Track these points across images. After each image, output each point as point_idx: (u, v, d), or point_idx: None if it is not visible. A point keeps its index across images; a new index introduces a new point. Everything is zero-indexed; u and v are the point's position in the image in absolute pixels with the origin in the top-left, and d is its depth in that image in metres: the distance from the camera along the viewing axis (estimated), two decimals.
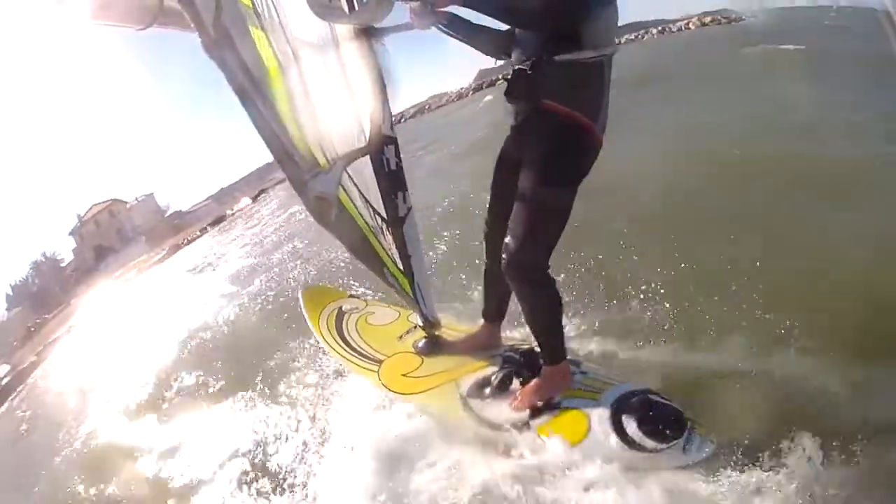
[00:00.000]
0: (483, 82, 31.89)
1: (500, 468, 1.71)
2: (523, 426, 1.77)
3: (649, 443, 1.51)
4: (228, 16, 1.24)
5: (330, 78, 1.68)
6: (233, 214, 24.67)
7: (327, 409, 2.51)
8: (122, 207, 38.48)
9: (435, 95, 38.99)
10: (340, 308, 2.81)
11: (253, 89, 1.27)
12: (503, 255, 1.68)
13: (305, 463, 2.24)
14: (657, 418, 1.56)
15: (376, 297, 3.14)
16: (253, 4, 1.37)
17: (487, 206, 1.97)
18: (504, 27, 1.84)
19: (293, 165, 1.34)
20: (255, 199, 27.68)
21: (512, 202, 1.74)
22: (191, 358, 4.46)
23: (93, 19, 1.31)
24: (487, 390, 1.95)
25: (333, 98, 1.66)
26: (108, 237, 35.85)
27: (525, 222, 1.64)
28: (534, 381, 1.85)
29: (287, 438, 2.46)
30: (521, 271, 1.68)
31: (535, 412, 1.78)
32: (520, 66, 1.64)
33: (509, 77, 1.68)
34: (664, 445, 1.49)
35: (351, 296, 3.04)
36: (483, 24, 1.83)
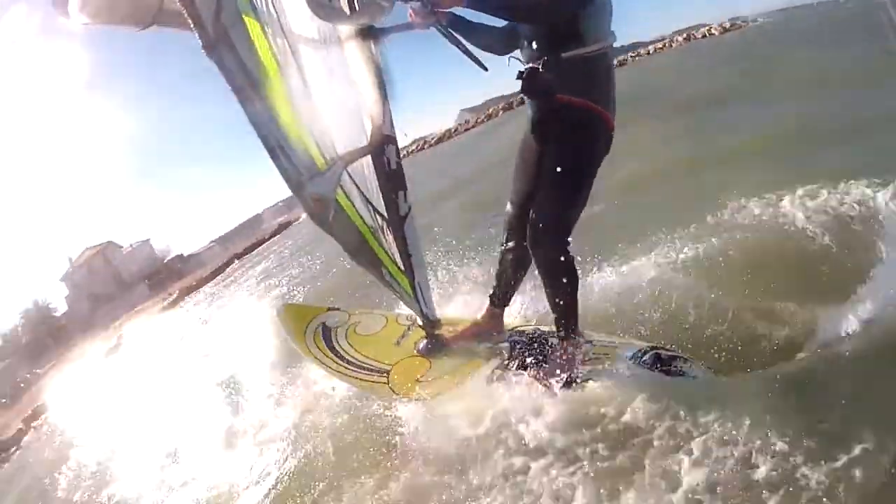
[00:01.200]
0: (466, 121, 32.29)
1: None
2: (548, 400, 1.83)
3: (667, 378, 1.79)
4: (228, 16, 1.24)
5: (330, 78, 1.68)
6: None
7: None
8: (116, 251, 36.10)
9: (418, 139, 37.50)
10: (324, 324, 2.69)
11: (251, 89, 1.27)
12: (528, 234, 1.83)
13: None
14: (668, 361, 1.85)
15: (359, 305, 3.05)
16: (253, 6, 1.36)
17: (511, 192, 2.11)
18: (502, 24, 1.94)
19: (291, 166, 1.34)
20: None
21: (533, 193, 1.94)
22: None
23: (93, 20, 1.32)
24: (509, 378, 1.97)
25: (333, 98, 1.66)
26: (103, 283, 33.00)
27: (550, 203, 1.82)
28: (555, 358, 1.94)
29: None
30: (547, 246, 1.82)
31: (564, 385, 1.85)
32: (531, 65, 1.80)
33: (523, 77, 1.82)
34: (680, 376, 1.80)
35: (329, 309, 2.89)
36: (482, 22, 1.93)
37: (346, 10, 1.74)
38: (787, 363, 1.88)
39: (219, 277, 20.46)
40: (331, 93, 1.62)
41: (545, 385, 1.88)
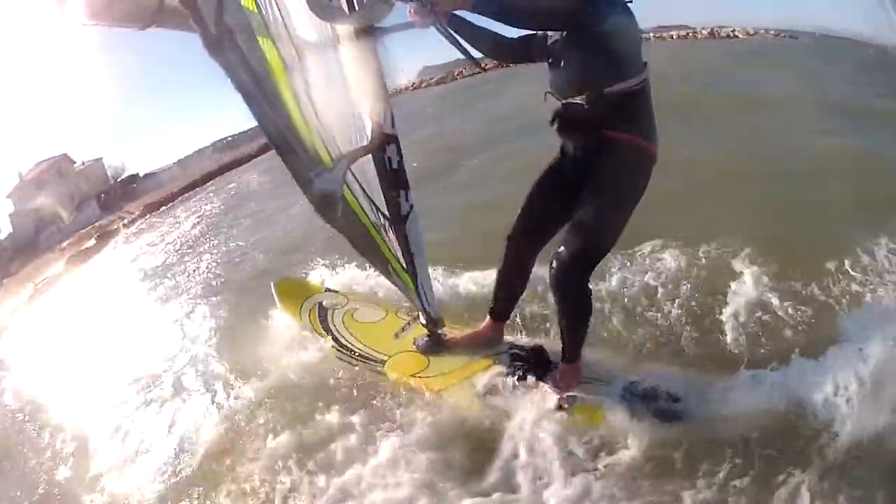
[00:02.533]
0: (424, 79, 30.58)
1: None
2: (547, 417, 1.86)
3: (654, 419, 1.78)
4: (231, 13, 1.23)
5: (332, 77, 1.68)
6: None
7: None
8: (70, 167, 30.77)
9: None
10: (320, 304, 2.74)
11: (257, 88, 1.27)
12: (554, 265, 1.75)
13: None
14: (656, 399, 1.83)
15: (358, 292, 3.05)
16: (257, 3, 1.36)
17: (521, 214, 2.04)
18: (508, 33, 1.91)
19: (299, 163, 1.34)
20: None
21: (550, 218, 1.94)
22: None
23: (92, 20, 1.30)
24: (504, 387, 1.98)
25: (336, 96, 1.66)
26: (52, 201, 26.89)
27: (585, 241, 1.73)
28: (554, 376, 1.96)
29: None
30: (572, 283, 1.77)
31: (559, 406, 1.87)
32: (571, 102, 1.74)
33: (561, 113, 1.79)
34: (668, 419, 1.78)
35: (327, 289, 2.94)
36: (485, 26, 1.88)
37: (346, 9, 1.75)
38: None
39: (179, 200, 17.47)
40: (335, 91, 1.62)
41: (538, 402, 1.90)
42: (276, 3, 1.44)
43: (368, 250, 1.81)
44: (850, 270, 2.47)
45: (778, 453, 1.63)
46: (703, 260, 2.83)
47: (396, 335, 2.44)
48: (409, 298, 2.15)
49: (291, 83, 1.43)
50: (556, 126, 1.84)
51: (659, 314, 2.47)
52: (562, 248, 1.75)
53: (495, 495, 1.72)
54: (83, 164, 32.57)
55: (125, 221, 17.17)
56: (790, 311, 2.30)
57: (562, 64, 1.76)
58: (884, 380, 1.64)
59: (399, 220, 1.98)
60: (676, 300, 2.53)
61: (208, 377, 2.96)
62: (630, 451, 1.73)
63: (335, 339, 2.51)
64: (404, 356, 2.30)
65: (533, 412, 1.89)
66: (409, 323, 2.47)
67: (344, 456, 2.02)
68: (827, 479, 1.54)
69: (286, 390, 2.48)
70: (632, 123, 1.72)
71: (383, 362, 2.31)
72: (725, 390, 1.81)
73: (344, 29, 1.75)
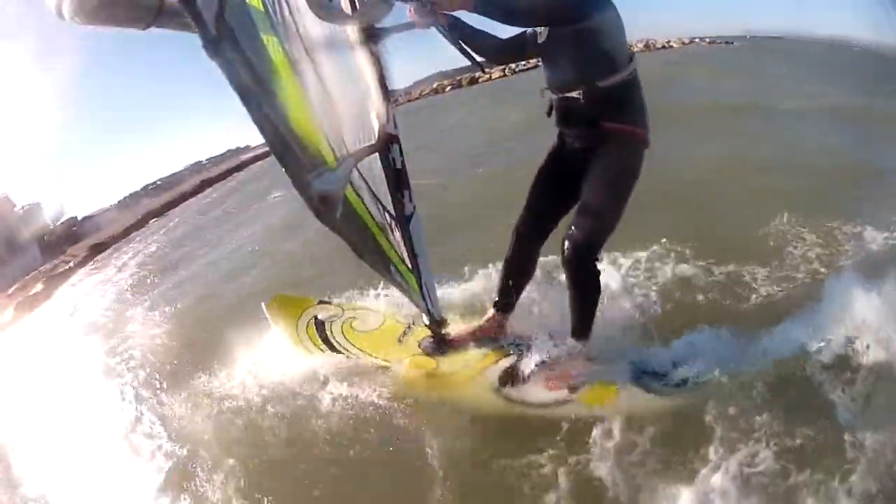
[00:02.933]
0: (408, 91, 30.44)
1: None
2: (567, 401, 1.91)
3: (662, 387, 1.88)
4: (233, 13, 1.22)
5: (341, 74, 1.67)
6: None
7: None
8: (10, 210, 28.87)
9: None
10: (316, 317, 2.68)
11: (257, 88, 1.25)
12: (566, 246, 1.86)
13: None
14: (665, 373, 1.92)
15: (343, 300, 3.01)
16: (264, 2, 1.35)
17: (527, 204, 2.14)
18: (506, 33, 1.99)
19: (296, 164, 1.32)
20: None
21: (554, 209, 2.07)
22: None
23: (93, 21, 1.30)
24: (517, 377, 2.00)
25: (346, 94, 1.65)
26: None
27: (592, 222, 1.85)
28: (564, 361, 1.99)
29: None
30: (584, 261, 1.87)
31: (573, 387, 1.93)
32: (567, 97, 1.84)
33: (559, 107, 1.90)
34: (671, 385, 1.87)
35: (320, 301, 2.88)
36: (485, 29, 1.97)
37: (347, 10, 1.73)
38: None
39: (124, 241, 16.02)
40: (341, 91, 1.61)
41: (555, 388, 1.94)
42: (286, 2, 1.43)
43: (370, 252, 1.79)
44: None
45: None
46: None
47: (399, 340, 2.42)
48: (412, 300, 2.13)
49: (300, 81, 1.42)
50: (554, 118, 1.95)
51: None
52: (573, 230, 1.86)
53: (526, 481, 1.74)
54: (22, 208, 30.83)
55: (71, 264, 15.95)
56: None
57: (556, 60, 1.86)
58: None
59: (404, 220, 1.97)
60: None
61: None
62: (644, 428, 1.77)
63: (337, 352, 2.46)
64: (412, 360, 2.27)
65: (546, 398, 1.94)
66: (409, 326, 2.46)
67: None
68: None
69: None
70: (626, 113, 1.83)
71: (388, 369, 2.29)
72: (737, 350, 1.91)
73: (347, 29, 1.74)
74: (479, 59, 1.99)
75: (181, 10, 1.26)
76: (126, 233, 18.20)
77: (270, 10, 1.37)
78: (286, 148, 1.30)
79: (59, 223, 31.70)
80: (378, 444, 2.08)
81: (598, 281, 1.94)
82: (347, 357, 2.44)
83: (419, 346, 2.32)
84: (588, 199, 1.88)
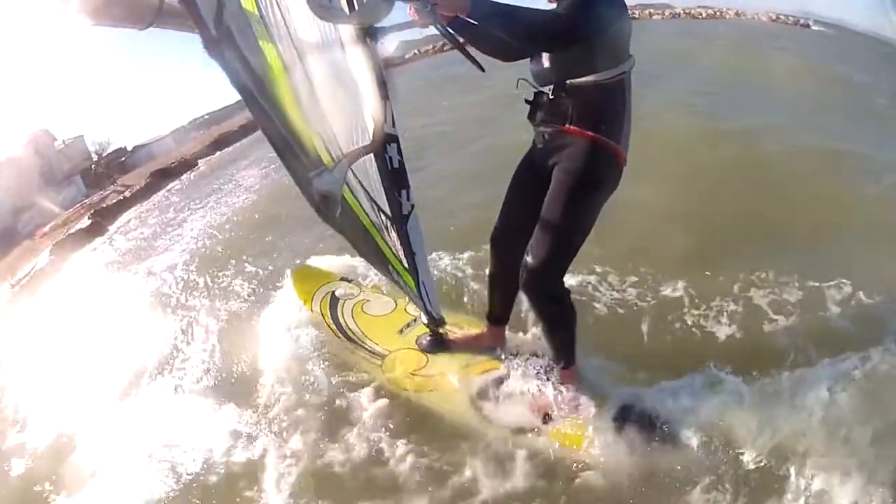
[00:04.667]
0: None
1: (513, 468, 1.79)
2: (535, 430, 1.84)
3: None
4: (230, 13, 1.23)
5: (333, 76, 1.67)
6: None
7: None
8: (50, 144, 27.27)
9: None
10: (333, 293, 2.76)
11: (256, 87, 1.27)
12: (523, 273, 1.71)
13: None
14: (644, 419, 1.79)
15: (368, 284, 3.05)
16: (257, 4, 1.36)
17: (501, 213, 1.99)
18: None
19: (298, 163, 1.33)
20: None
21: (527, 213, 1.81)
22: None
23: (93, 20, 1.30)
24: (497, 393, 1.97)
25: (339, 96, 1.66)
26: (30, 182, 23.44)
27: (549, 245, 1.68)
28: (553, 386, 1.90)
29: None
30: (542, 290, 1.73)
31: (547, 417, 1.85)
32: (540, 91, 1.68)
33: (532, 102, 1.73)
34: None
35: (343, 279, 2.96)
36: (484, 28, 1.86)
37: (346, 9, 1.74)
38: None
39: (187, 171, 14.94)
40: (337, 91, 1.62)
41: (535, 411, 1.89)
42: (278, 4, 1.44)
43: (368, 251, 1.81)
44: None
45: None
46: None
47: (401, 331, 2.45)
48: (410, 299, 2.15)
49: (292, 84, 1.42)
50: (527, 114, 1.78)
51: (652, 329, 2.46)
52: (528, 255, 1.70)
53: None
54: (63, 142, 29.21)
55: (125, 195, 14.05)
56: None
57: (539, 52, 1.69)
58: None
59: (401, 219, 1.97)
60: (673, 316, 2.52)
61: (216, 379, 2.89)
62: (602, 478, 1.69)
63: (340, 329, 2.53)
64: (404, 353, 2.31)
65: (518, 423, 1.88)
66: (414, 320, 2.48)
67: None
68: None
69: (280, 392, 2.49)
70: (595, 120, 1.62)
71: (383, 357, 2.32)
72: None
73: (345, 28, 1.74)
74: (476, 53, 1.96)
75: (181, 10, 1.27)
76: (190, 162, 16.78)
77: (263, 12, 1.38)
78: (287, 147, 1.31)
79: (105, 155, 30.07)
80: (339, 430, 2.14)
81: (567, 305, 1.79)
82: (344, 341, 2.49)
83: (416, 341, 2.34)
84: (546, 217, 1.70)
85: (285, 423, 2.31)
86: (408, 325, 2.46)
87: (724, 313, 2.45)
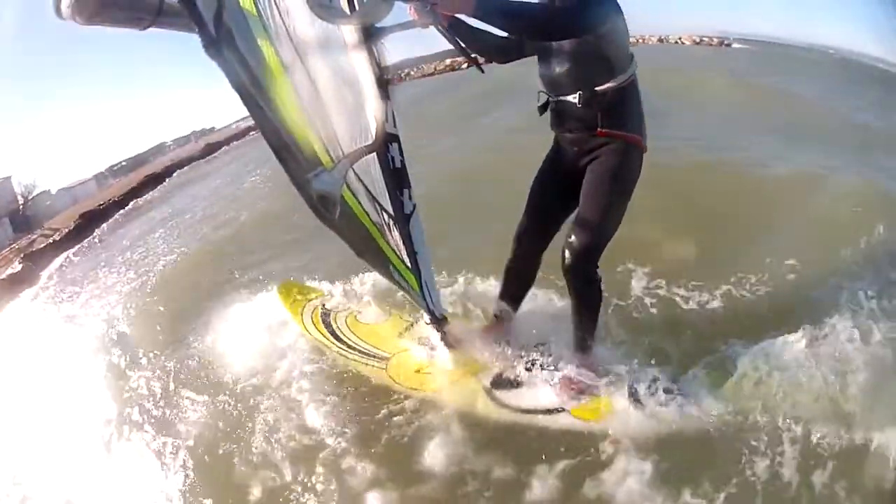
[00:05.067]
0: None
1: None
2: (558, 410, 1.90)
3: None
4: (230, 13, 1.22)
5: (335, 76, 1.67)
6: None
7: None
8: None
9: None
10: (323, 305, 2.77)
11: (255, 88, 1.26)
12: (566, 255, 1.84)
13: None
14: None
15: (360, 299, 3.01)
16: (256, 5, 1.35)
17: (525, 213, 2.13)
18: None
19: (295, 164, 1.33)
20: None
21: (553, 216, 2.05)
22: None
23: (92, 20, 1.30)
24: (510, 382, 2.00)
25: (338, 97, 1.65)
26: None
27: (592, 232, 1.83)
28: (573, 369, 1.97)
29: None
30: (585, 273, 1.86)
31: (574, 395, 1.91)
32: (563, 100, 1.81)
33: (554, 109, 1.87)
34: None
35: (330, 294, 2.95)
36: (484, 28, 1.87)
37: (346, 9, 1.73)
38: None
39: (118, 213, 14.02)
40: (335, 92, 1.61)
41: (562, 394, 1.93)
42: (276, 4, 1.43)
43: (368, 251, 1.80)
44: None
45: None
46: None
47: (401, 334, 2.44)
48: (412, 298, 2.14)
49: (291, 84, 1.42)
50: (550, 121, 1.91)
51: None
52: (572, 238, 1.84)
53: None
54: None
55: (53, 238, 13.35)
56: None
57: (553, 61, 1.80)
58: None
59: (403, 219, 1.97)
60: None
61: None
62: (628, 450, 1.77)
63: (337, 339, 2.51)
64: (409, 353, 2.30)
65: (535, 405, 1.93)
66: (413, 323, 2.47)
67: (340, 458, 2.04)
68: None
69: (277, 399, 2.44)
70: (623, 119, 1.79)
71: (386, 360, 2.31)
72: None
73: (346, 29, 1.73)
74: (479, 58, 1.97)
75: (181, 11, 1.27)
76: (120, 203, 15.59)
77: (262, 13, 1.37)
78: (285, 148, 1.31)
79: (31, 196, 28.59)
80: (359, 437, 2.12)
81: (600, 289, 1.93)
82: (342, 353, 2.46)
83: (419, 341, 2.33)
84: (585, 206, 1.85)
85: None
86: (407, 329, 2.46)
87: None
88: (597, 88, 1.73)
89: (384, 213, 1.89)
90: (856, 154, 4.59)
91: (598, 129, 1.78)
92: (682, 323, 2.42)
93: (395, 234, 1.94)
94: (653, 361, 2.03)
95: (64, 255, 10.65)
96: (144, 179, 19.32)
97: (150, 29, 1.40)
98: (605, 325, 2.37)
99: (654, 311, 2.57)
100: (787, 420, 1.74)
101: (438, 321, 2.25)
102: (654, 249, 2.95)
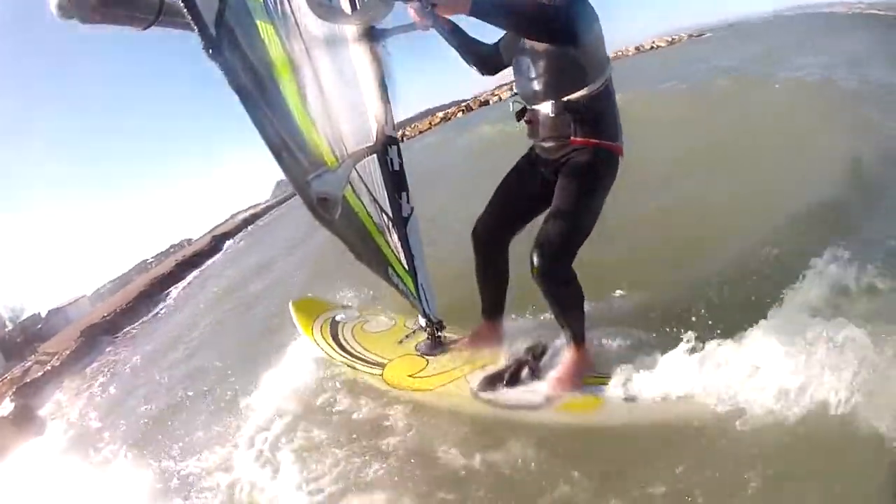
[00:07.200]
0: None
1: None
2: (549, 406, 1.87)
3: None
4: (233, 13, 1.22)
5: (339, 77, 1.67)
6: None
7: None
8: None
9: None
10: (333, 318, 2.81)
11: (257, 88, 1.25)
12: (534, 257, 1.77)
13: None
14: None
15: (372, 307, 3.07)
16: (266, 6, 1.35)
17: (488, 211, 2.05)
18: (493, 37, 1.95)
19: (296, 165, 1.32)
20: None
21: (517, 213, 1.99)
22: None
23: (92, 20, 1.30)
24: (499, 384, 1.97)
25: (347, 95, 1.65)
26: None
27: (563, 234, 1.78)
28: (565, 366, 1.93)
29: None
30: (558, 275, 1.80)
31: (568, 389, 1.88)
32: (537, 109, 1.80)
33: (525, 118, 1.85)
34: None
35: (343, 306, 3.02)
36: (477, 38, 1.95)
37: (347, 9, 1.74)
38: None
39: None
40: (341, 92, 1.61)
41: (553, 391, 1.90)
42: (289, 2, 1.43)
43: (367, 253, 1.80)
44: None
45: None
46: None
47: (400, 341, 2.45)
48: (409, 301, 2.14)
49: (299, 81, 1.41)
50: (524, 129, 1.89)
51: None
52: (541, 239, 1.80)
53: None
54: None
55: (51, 364, 11.67)
56: None
57: (527, 69, 1.80)
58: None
59: (401, 222, 1.98)
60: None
61: None
62: (617, 437, 1.75)
63: (340, 347, 2.54)
64: (404, 359, 2.31)
65: (526, 402, 1.91)
66: (413, 330, 2.48)
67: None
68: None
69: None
70: (597, 126, 1.77)
71: (382, 365, 2.32)
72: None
73: (349, 29, 1.74)
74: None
75: (181, 10, 1.26)
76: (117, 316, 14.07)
77: (271, 8, 1.37)
78: (285, 148, 1.30)
79: (20, 320, 27.39)
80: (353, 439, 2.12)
81: (578, 286, 1.87)
82: (346, 361, 2.48)
83: (415, 347, 2.35)
84: (557, 205, 1.81)
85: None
86: (407, 336, 2.46)
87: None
88: (569, 97, 1.72)
89: (384, 215, 1.89)
90: None
91: (572, 138, 1.77)
92: (672, 314, 2.30)
93: (395, 235, 1.94)
94: (645, 354, 1.97)
95: (65, 384, 8.65)
96: (138, 295, 16.90)
97: (151, 28, 1.40)
98: (591, 319, 2.29)
99: (641, 304, 2.49)
100: (781, 411, 1.66)
101: (434, 325, 2.26)
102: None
